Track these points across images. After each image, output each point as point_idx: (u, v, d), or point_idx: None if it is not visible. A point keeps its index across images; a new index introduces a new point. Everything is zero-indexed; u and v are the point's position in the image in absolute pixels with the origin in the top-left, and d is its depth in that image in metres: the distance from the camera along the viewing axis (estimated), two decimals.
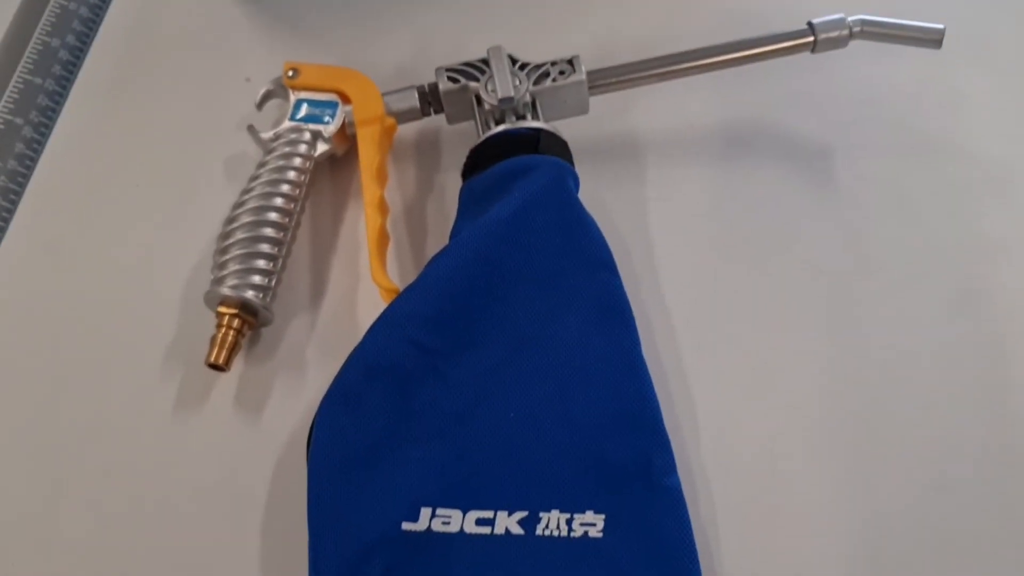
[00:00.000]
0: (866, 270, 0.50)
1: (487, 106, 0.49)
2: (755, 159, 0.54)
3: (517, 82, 0.49)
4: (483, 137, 0.48)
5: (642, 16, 0.60)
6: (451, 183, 0.54)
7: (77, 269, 0.52)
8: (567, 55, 0.52)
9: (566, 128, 0.50)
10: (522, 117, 0.50)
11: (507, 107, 0.49)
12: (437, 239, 0.52)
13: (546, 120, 0.51)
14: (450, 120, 0.53)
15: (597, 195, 0.52)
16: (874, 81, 0.57)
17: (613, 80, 0.52)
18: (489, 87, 0.50)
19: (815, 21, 0.52)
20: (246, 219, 0.49)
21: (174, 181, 0.54)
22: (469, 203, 0.48)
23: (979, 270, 0.50)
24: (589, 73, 0.51)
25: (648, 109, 0.56)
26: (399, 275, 0.51)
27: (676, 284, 0.50)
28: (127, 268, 0.52)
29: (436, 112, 0.53)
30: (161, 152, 0.55)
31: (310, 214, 0.53)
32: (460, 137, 0.55)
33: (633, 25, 0.60)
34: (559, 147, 0.49)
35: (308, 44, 0.60)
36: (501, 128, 0.48)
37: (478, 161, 0.48)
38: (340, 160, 0.54)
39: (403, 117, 0.53)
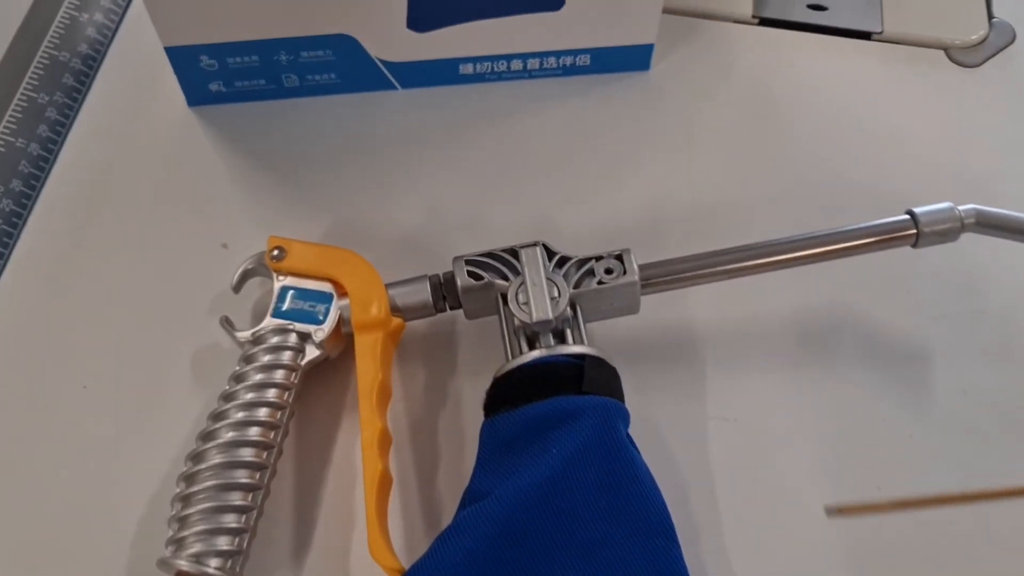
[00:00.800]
0: (981, 517, 0.41)
1: (516, 321, 0.40)
2: (838, 363, 0.45)
3: (555, 293, 0.40)
4: (510, 367, 0.39)
5: (693, 180, 0.51)
6: (468, 391, 0.44)
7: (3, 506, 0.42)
8: (615, 250, 0.42)
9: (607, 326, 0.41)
10: (560, 332, 0.40)
11: (543, 330, 0.39)
12: (450, 477, 0.42)
13: (587, 319, 0.42)
14: (469, 316, 0.43)
15: (647, 415, 0.43)
16: (979, 266, 0.47)
17: (671, 279, 0.42)
18: (520, 297, 0.40)
19: (918, 211, 0.42)
20: (215, 459, 0.39)
21: (130, 384, 0.44)
22: (493, 450, 0.38)
23: None
24: (643, 269, 0.42)
25: (706, 299, 0.46)
26: (402, 525, 0.41)
27: (743, 533, 0.40)
28: (61, 507, 0.42)
29: (452, 308, 0.43)
30: (115, 341, 0.45)
31: (295, 436, 0.43)
32: (481, 331, 0.45)
33: (682, 191, 0.50)
34: (607, 379, 0.39)
35: (299, 203, 0.50)
36: (534, 356, 0.39)
37: (504, 396, 0.39)
38: (334, 362, 0.44)
39: (412, 314, 0.43)
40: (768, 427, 0.43)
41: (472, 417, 0.43)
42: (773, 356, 0.45)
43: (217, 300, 0.46)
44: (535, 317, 0.39)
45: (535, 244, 0.42)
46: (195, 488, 0.38)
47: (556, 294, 0.40)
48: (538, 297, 0.39)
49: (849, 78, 0.55)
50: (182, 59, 0.49)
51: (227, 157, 0.51)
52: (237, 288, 0.45)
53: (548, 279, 0.40)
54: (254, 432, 0.40)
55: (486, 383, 0.40)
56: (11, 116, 0.52)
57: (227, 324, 0.43)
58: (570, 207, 0.49)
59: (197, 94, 0.52)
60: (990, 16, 0.57)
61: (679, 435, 0.43)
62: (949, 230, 0.42)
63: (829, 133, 0.52)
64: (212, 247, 0.48)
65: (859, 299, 0.47)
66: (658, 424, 0.43)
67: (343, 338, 0.43)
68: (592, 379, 0.38)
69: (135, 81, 0.53)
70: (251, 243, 0.46)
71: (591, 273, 0.41)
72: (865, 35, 0.56)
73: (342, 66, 0.51)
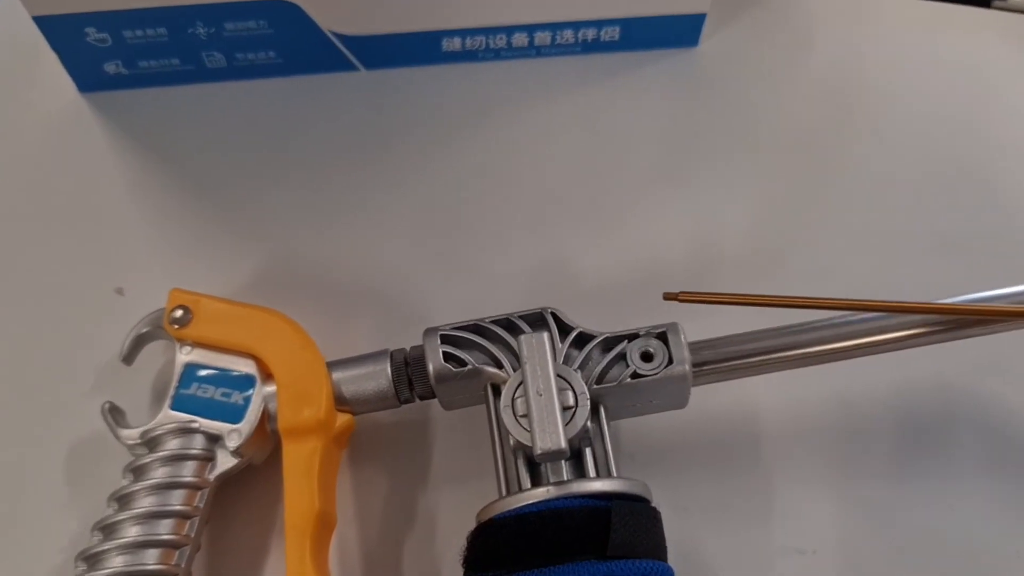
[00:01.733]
0: None
1: (513, 441, 0.27)
2: (952, 473, 0.33)
3: (570, 400, 0.27)
4: (503, 510, 0.27)
5: (757, 199, 0.38)
6: (446, 507, 0.32)
7: None
8: (658, 325, 0.29)
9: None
10: (576, 452, 0.28)
11: (552, 460, 0.27)
12: None
13: (612, 418, 0.30)
14: (446, 406, 0.31)
15: (692, 546, 0.31)
16: None
17: (736, 366, 0.30)
18: (518, 407, 0.27)
19: None
20: None
21: None
22: None
23: None
24: (695, 350, 0.29)
25: (771, 382, 0.33)
26: None
27: None
28: None
29: (422, 399, 0.31)
30: None
31: (207, 568, 0.31)
32: (467, 420, 0.33)
33: (741, 216, 0.37)
34: (644, 528, 0.27)
35: (222, 229, 0.37)
36: (537, 498, 0.26)
37: (493, 556, 0.26)
38: (261, 469, 0.32)
39: (365, 406, 0.31)
40: (858, 560, 0.31)
41: (453, 545, 0.31)
42: (863, 461, 0.33)
43: (107, 370, 0.34)
44: (540, 447, 0.26)
45: (540, 314, 0.29)
46: None
47: (572, 402, 0.27)
48: (545, 414, 0.27)
49: (962, 57, 0.41)
50: (61, 32, 0.36)
51: (129, 162, 0.38)
52: (128, 359, 0.32)
53: (559, 377, 0.27)
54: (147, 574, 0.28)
55: (472, 495, 0.28)
56: None
57: (110, 415, 0.31)
58: (590, 239, 0.37)
59: (89, 77, 0.38)
60: None
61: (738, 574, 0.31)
62: None
63: (936, 134, 0.39)
64: (103, 292, 0.36)
65: (983, 385, 0.34)
66: (708, 559, 0.31)
67: (270, 438, 0.31)
68: (623, 535, 0.26)
69: (9, 60, 0.40)
70: (155, 288, 0.33)
71: (622, 359, 0.29)
72: (983, 1, 0.43)
73: (283, 41, 0.38)
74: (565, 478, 0.27)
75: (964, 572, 0.31)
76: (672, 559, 0.27)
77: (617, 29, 0.39)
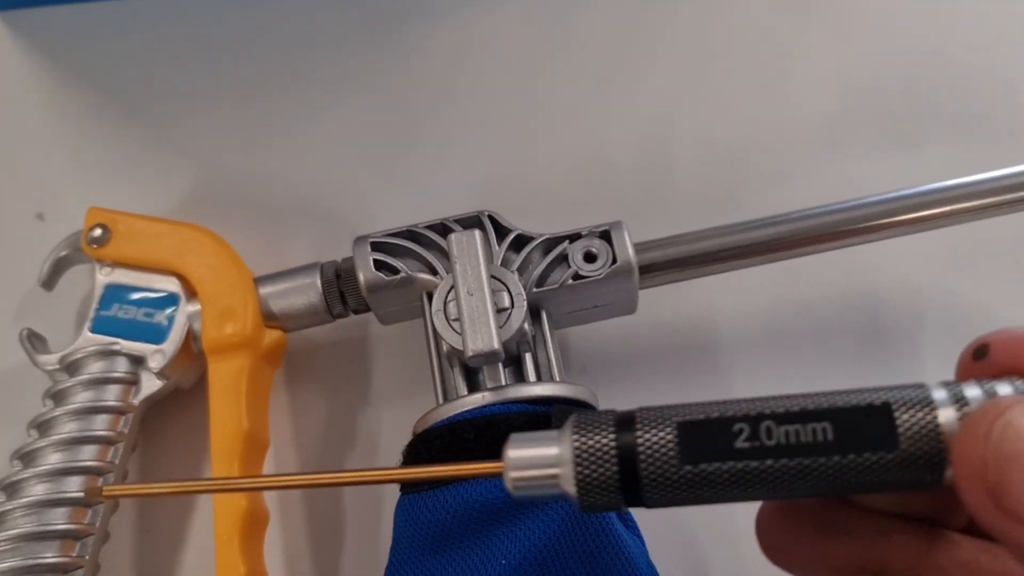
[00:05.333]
0: None
1: (447, 346, 0.26)
2: (907, 365, 0.31)
3: (506, 302, 0.26)
4: (438, 418, 0.25)
5: (714, 101, 0.35)
6: (388, 426, 0.31)
7: None
8: (599, 224, 0.28)
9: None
10: (515, 357, 0.26)
11: (488, 363, 0.25)
12: (364, 562, 0.29)
13: (558, 326, 0.28)
14: (384, 321, 0.29)
15: None
16: None
17: (682, 265, 0.28)
18: (451, 309, 0.26)
19: None
20: (20, 526, 0.26)
21: None
22: (412, 545, 0.25)
23: None
24: (641, 251, 0.28)
25: (729, 283, 0.31)
26: None
27: None
28: None
29: (357, 313, 0.29)
30: None
31: (132, 507, 0.30)
32: (407, 334, 0.31)
33: (697, 120, 0.35)
34: None
35: (145, 149, 0.35)
36: (472, 404, 0.25)
37: (430, 465, 0.25)
38: (190, 392, 0.30)
39: (296, 322, 0.29)
40: None
41: (395, 464, 0.29)
42: (824, 361, 0.31)
43: (29, 297, 0.32)
44: (471, 348, 0.25)
45: (476, 217, 0.28)
46: None
47: (507, 303, 0.26)
48: (477, 314, 0.25)
49: None
50: None
51: (46, 83, 0.36)
52: (48, 284, 0.31)
53: (493, 279, 0.26)
54: (59, 515, 0.27)
55: (416, 412, 0.26)
56: None
57: (29, 341, 0.29)
58: (533, 146, 0.35)
59: None
60: None
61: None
62: None
63: (899, 33, 0.37)
64: (22, 217, 0.34)
65: (949, 278, 0.32)
66: None
67: (197, 359, 0.29)
68: None
69: None
70: (77, 212, 0.31)
71: (564, 260, 0.27)
72: None
73: None
74: (503, 383, 0.25)
75: None
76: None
77: None
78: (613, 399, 0.27)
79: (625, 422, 0.18)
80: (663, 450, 0.17)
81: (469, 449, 0.25)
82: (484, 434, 0.25)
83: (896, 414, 0.17)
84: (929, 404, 0.17)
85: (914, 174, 0.29)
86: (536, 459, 0.18)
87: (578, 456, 0.18)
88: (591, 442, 0.18)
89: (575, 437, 0.18)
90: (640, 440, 0.18)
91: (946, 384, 0.17)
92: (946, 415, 0.17)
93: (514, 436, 0.19)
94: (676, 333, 0.31)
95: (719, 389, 0.31)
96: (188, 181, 0.34)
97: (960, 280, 0.32)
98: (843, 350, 0.31)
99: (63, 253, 0.30)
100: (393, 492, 0.26)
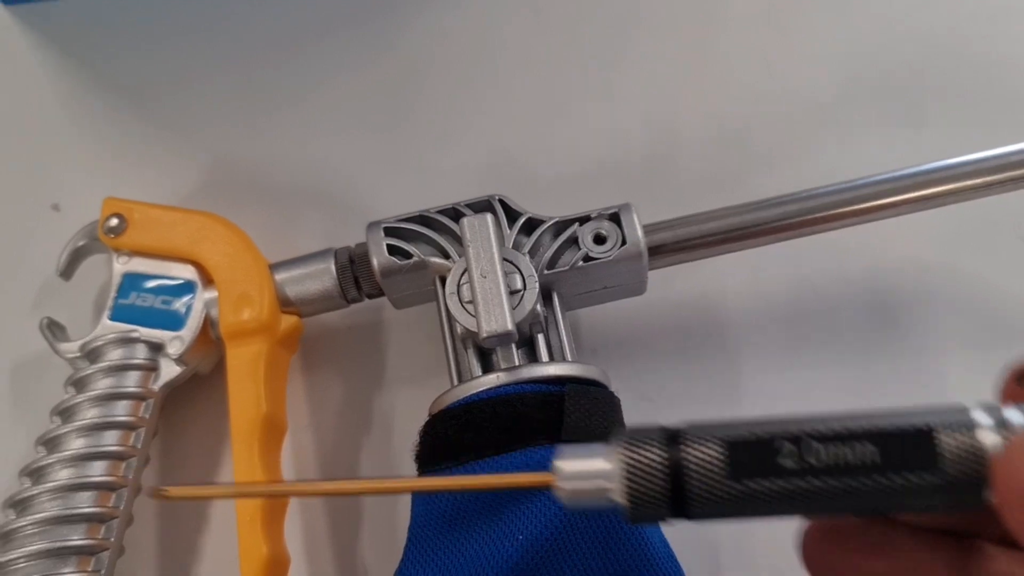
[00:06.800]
0: None
1: (460, 328, 0.26)
2: (926, 346, 0.32)
3: (518, 284, 0.26)
4: (454, 399, 0.26)
5: (722, 83, 0.36)
6: (403, 409, 0.31)
7: None
8: (608, 207, 0.28)
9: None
10: (528, 339, 0.27)
11: (501, 343, 0.26)
12: (381, 542, 0.30)
13: (569, 307, 0.29)
14: (398, 305, 0.30)
15: None
16: None
17: (694, 247, 0.29)
18: (464, 293, 0.26)
19: None
20: (47, 510, 0.27)
21: None
22: (429, 524, 0.26)
23: None
24: (650, 232, 0.28)
25: (737, 263, 0.32)
26: None
27: None
28: None
29: (371, 297, 0.30)
30: None
31: (160, 478, 0.30)
32: (420, 319, 0.31)
33: (704, 101, 0.35)
34: (601, 414, 0.26)
35: (158, 140, 0.35)
36: (488, 385, 0.25)
37: (445, 446, 0.26)
38: (209, 378, 0.31)
39: (312, 307, 0.30)
40: None
41: (410, 445, 0.30)
42: (833, 341, 0.32)
43: (46, 288, 0.33)
44: (486, 329, 0.25)
45: (487, 202, 0.28)
46: (13, 554, 0.26)
47: (519, 285, 0.26)
48: (490, 296, 0.25)
49: None
50: None
51: (58, 75, 0.37)
52: (66, 273, 0.31)
53: (505, 261, 0.26)
54: (85, 498, 0.27)
55: (430, 394, 0.27)
56: None
57: (49, 330, 0.30)
58: (542, 131, 0.35)
59: None
60: None
61: None
62: None
63: (900, 5, 0.37)
64: (38, 208, 0.34)
65: (955, 257, 0.33)
66: None
67: (215, 344, 0.30)
68: (577, 419, 0.25)
69: None
70: (92, 202, 0.32)
71: (574, 243, 0.28)
72: None
73: None
74: (517, 364, 0.26)
75: None
76: None
77: None
78: (624, 379, 0.28)
79: (673, 438, 0.18)
80: (711, 467, 0.18)
81: (484, 428, 0.25)
82: (499, 413, 0.25)
83: (940, 437, 0.17)
84: (972, 427, 0.17)
85: (918, 152, 0.30)
86: (587, 472, 0.19)
87: (629, 471, 0.18)
88: (641, 457, 0.18)
89: (625, 452, 0.18)
90: (690, 456, 0.18)
91: (987, 407, 0.18)
92: (989, 439, 0.17)
93: (564, 449, 0.19)
94: (685, 313, 0.32)
95: (728, 368, 0.31)
96: (200, 169, 0.34)
97: (966, 257, 0.33)
98: (852, 328, 0.32)
99: (80, 243, 0.31)
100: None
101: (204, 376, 0.31)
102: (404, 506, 0.26)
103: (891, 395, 0.31)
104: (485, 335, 0.25)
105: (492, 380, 0.25)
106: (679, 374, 0.31)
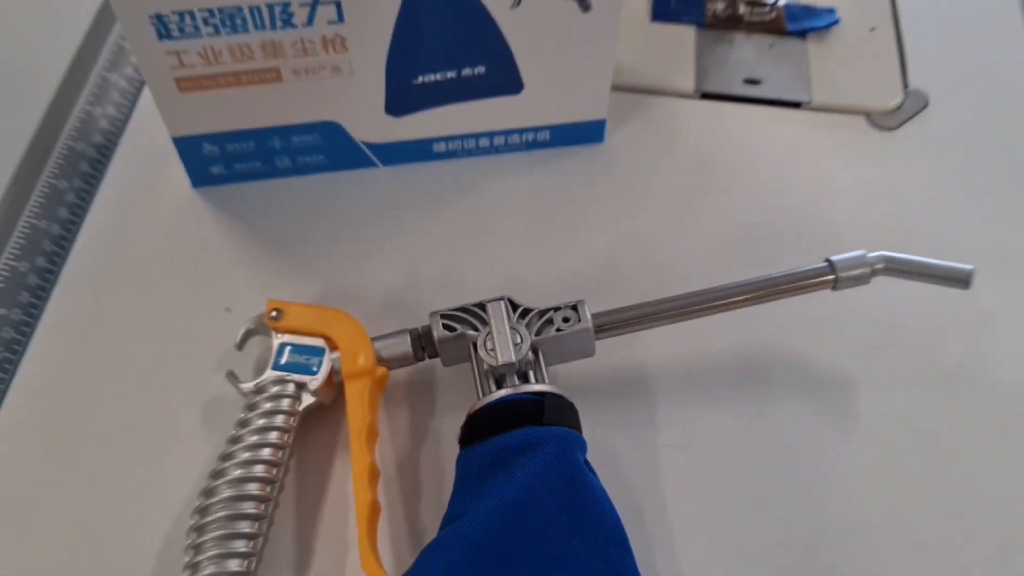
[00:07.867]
0: (897, 522, 0.46)
1: (485, 366, 0.46)
2: (774, 394, 0.51)
3: (518, 339, 0.46)
4: (480, 404, 0.44)
5: (644, 237, 0.57)
6: (447, 429, 0.50)
7: (38, 540, 0.47)
8: (571, 301, 0.48)
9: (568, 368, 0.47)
10: (524, 374, 0.46)
11: (508, 372, 0.45)
12: (432, 505, 0.47)
13: (549, 363, 0.48)
14: (446, 363, 0.49)
15: (605, 443, 0.48)
16: (898, 304, 0.53)
17: (621, 325, 0.48)
18: (488, 345, 0.46)
19: (835, 259, 0.49)
20: (225, 493, 0.44)
21: (147, 433, 0.50)
22: (467, 477, 0.44)
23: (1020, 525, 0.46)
24: (595, 317, 0.48)
25: (656, 342, 0.52)
26: (391, 547, 0.46)
27: (692, 544, 0.46)
28: (90, 539, 0.47)
29: (431, 357, 0.49)
30: (134, 397, 0.51)
31: (294, 472, 0.49)
32: (457, 377, 0.51)
33: (634, 247, 0.56)
34: (566, 412, 0.45)
35: (294, 269, 0.56)
36: (500, 395, 0.44)
37: (476, 430, 0.44)
38: (328, 408, 0.50)
39: (395, 363, 0.49)
40: (714, 451, 0.49)
41: (451, 451, 0.48)
42: (717, 390, 0.51)
43: (223, 358, 0.52)
44: (500, 360, 0.45)
45: (500, 299, 0.48)
46: (208, 519, 0.44)
47: (519, 340, 0.46)
48: (503, 344, 0.45)
49: (782, 143, 0.61)
50: (187, 147, 0.56)
51: (229, 231, 0.57)
52: (240, 346, 0.51)
53: (512, 328, 0.46)
54: (259, 470, 0.45)
55: (462, 421, 0.46)
56: (35, 201, 0.58)
57: (232, 377, 0.49)
58: (534, 265, 0.56)
59: (200, 176, 0.58)
60: (905, 85, 0.64)
61: (634, 461, 0.49)
62: (862, 275, 0.48)
63: (764, 193, 0.59)
64: (217, 311, 0.54)
65: (791, 337, 0.53)
66: (615, 452, 0.49)
67: (335, 387, 0.49)
68: (552, 413, 0.44)
69: (144, 166, 0.60)
70: (252, 306, 0.52)
71: (550, 322, 0.47)
72: (795, 104, 0.63)
73: (329, 148, 0.57)
74: (516, 384, 0.45)
75: (786, 460, 0.49)
76: (591, 453, 0.44)
77: (548, 132, 0.59)
78: (581, 411, 0.46)
79: None
80: None
81: (497, 419, 0.44)
82: (505, 410, 0.44)
83: None
84: None
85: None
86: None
87: None
88: None
89: None
90: None
91: None
92: None
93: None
94: (621, 370, 0.51)
95: (646, 406, 0.50)
96: (322, 286, 0.55)
97: (800, 338, 0.52)
98: (736, 385, 0.51)
99: (251, 326, 0.51)
100: (448, 436, 0.45)
101: (326, 406, 0.50)
102: (446, 452, 0.45)
103: (753, 423, 0.50)
104: (500, 363, 0.44)
105: (503, 392, 0.44)
106: (617, 408, 0.50)
